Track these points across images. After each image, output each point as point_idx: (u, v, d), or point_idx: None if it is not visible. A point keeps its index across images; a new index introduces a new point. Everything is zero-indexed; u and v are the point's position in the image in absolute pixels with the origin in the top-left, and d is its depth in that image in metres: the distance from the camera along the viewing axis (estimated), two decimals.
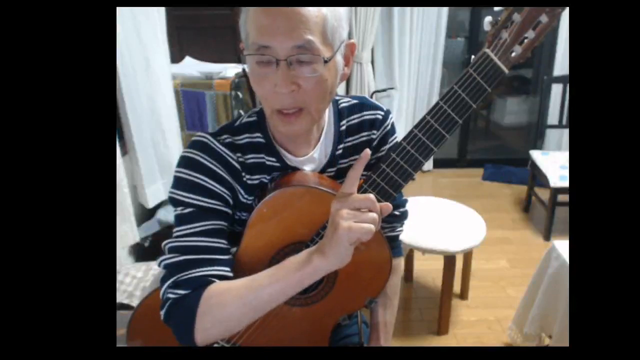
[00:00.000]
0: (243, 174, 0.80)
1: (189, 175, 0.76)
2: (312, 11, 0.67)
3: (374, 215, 0.66)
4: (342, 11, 0.72)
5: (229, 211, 0.79)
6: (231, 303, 0.71)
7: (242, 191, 0.80)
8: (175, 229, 0.77)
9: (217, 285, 0.73)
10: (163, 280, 0.75)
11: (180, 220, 0.76)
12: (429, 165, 3.66)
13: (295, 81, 0.69)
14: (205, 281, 0.73)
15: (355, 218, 0.65)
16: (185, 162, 0.77)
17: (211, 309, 0.71)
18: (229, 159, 0.78)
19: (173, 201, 0.78)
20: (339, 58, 0.74)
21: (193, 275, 0.73)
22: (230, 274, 0.76)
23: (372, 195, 0.66)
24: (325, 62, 0.69)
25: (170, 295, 0.74)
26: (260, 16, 0.67)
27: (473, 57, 0.69)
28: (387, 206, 0.68)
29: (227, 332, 0.74)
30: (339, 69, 0.75)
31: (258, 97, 0.75)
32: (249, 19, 0.69)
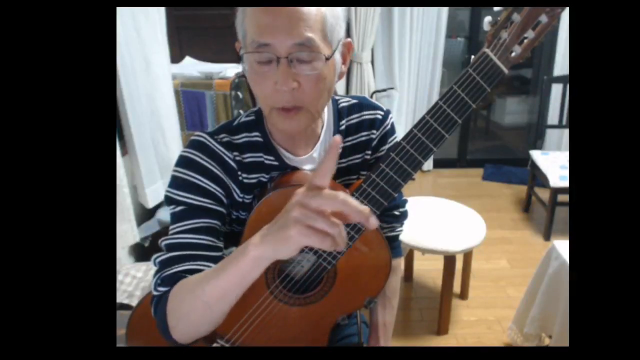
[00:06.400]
0: (239, 172, 0.80)
1: (183, 173, 0.77)
2: (312, 10, 0.67)
3: (337, 230, 0.52)
4: (340, 10, 0.72)
5: (222, 210, 0.79)
6: (187, 298, 0.69)
7: (237, 190, 0.80)
8: (169, 227, 0.78)
9: (182, 280, 0.71)
10: (153, 276, 0.77)
11: (173, 218, 0.78)
12: (429, 165, 3.66)
13: (296, 79, 0.69)
14: (181, 278, 0.73)
15: (312, 222, 0.52)
16: (181, 161, 0.78)
17: (174, 305, 0.70)
18: (225, 157, 0.79)
19: (167, 199, 0.79)
20: (338, 57, 0.74)
21: (173, 271, 0.74)
22: None
23: (347, 197, 0.52)
24: (327, 59, 0.70)
25: (155, 293, 0.75)
26: (260, 15, 0.67)
27: (473, 57, 0.69)
28: (373, 223, 0.53)
29: (193, 329, 0.71)
30: (337, 67, 0.75)
31: (257, 96, 0.75)
32: (247, 17, 0.70)
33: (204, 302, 0.66)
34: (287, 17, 0.66)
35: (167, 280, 0.74)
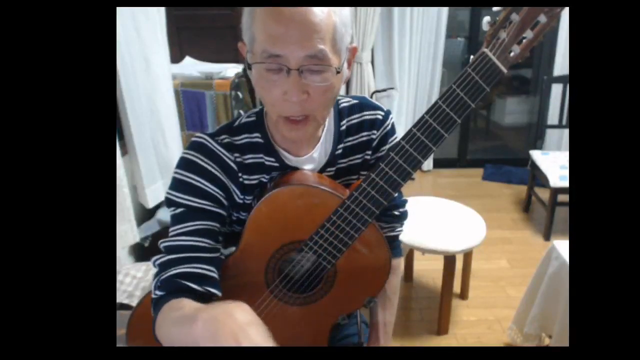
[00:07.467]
0: (240, 174, 0.80)
1: (183, 175, 0.77)
2: (323, 18, 0.66)
3: None
4: (348, 16, 0.71)
5: (222, 212, 0.80)
6: (165, 327, 0.70)
7: (237, 191, 0.81)
8: (169, 229, 0.78)
9: (173, 302, 0.72)
10: (153, 278, 0.77)
11: (173, 220, 0.78)
12: (428, 165, 3.66)
13: (306, 89, 0.69)
14: (177, 283, 0.74)
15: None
16: (181, 162, 0.78)
17: (160, 324, 0.72)
18: (226, 158, 0.79)
19: (167, 201, 0.79)
20: (345, 64, 0.74)
21: (169, 274, 0.75)
22: (213, 274, 0.76)
23: None
24: (338, 72, 0.69)
25: (153, 296, 0.76)
26: (271, 23, 0.65)
27: (472, 57, 0.69)
28: None
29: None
30: (344, 74, 0.75)
31: (264, 102, 0.75)
32: (257, 23, 0.68)
33: (173, 340, 0.66)
34: (300, 28, 0.65)
35: (164, 284, 0.75)
